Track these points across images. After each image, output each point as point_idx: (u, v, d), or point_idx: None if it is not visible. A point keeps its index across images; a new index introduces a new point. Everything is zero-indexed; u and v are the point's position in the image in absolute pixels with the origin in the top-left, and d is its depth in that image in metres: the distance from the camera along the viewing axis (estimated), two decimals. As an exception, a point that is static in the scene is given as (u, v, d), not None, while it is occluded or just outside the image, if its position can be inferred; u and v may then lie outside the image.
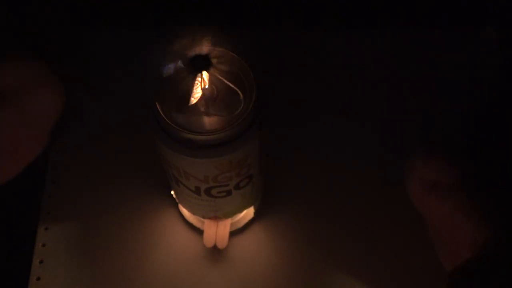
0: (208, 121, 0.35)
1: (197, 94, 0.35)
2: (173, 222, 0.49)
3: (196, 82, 0.34)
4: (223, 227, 0.47)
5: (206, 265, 0.48)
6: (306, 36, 0.55)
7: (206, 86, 0.35)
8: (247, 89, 0.35)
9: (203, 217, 0.47)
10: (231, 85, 0.34)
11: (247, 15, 0.55)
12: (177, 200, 0.47)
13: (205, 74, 0.34)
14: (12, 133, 0.37)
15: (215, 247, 0.47)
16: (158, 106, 0.35)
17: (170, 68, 0.34)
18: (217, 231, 0.47)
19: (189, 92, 0.34)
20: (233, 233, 0.48)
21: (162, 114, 0.35)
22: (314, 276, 0.46)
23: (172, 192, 0.47)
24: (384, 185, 0.49)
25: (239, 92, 0.35)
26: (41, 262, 0.47)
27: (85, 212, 0.49)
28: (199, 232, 0.48)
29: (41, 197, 0.49)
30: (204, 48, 0.34)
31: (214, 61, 0.34)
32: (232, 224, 0.48)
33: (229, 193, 0.41)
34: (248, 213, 0.49)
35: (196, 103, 0.35)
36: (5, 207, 0.48)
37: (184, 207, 0.47)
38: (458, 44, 0.56)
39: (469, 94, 0.53)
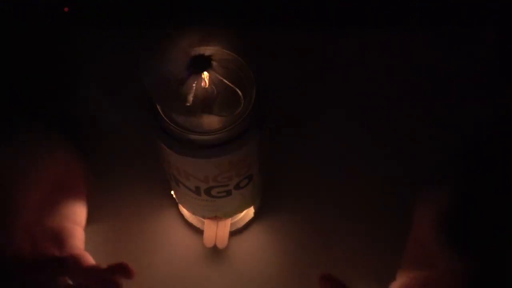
0: (208, 121, 0.35)
1: (197, 94, 0.35)
2: (173, 222, 0.49)
3: (196, 82, 0.34)
4: (223, 227, 0.47)
5: (206, 265, 0.48)
6: (306, 36, 0.55)
7: (207, 86, 0.35)
8: (247, 89, 0.35)
9: (203, 217, 0.47)
10: (231, 85, 0.34)
11: (247, 16, 0.55)
12: (177, 200, 0.47)
13: (205, 74, 0.34)
14: None
15: (215, 247, 0.47)
16: (158, 107, 0.35)
17: (170, 68, 0.34)
18: (217, 231, 0.47)
19: (189, 92, 0.34)
20: (233, 233, 0.48)
21: (162, 115, 0.35)
22: (314, 276, 0.46)
23: (172, 192, 0.47)
24: (384, 185, 0.49)
25: (239, 92, 0.35)
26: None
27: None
28: (199, 232, 0.48)
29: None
30: (205, 48, 0.34)
31: (214, 61, 0.34)
32: (232, 224, 0.48)
33: (229, 193, 0.41)
34: (248, 213, 0.49)
35: (197, 103, 0.35)
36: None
37: (184, 207, 0.47)
38: (458, 44, 0.55)
39: (468, 94, 0.53)
